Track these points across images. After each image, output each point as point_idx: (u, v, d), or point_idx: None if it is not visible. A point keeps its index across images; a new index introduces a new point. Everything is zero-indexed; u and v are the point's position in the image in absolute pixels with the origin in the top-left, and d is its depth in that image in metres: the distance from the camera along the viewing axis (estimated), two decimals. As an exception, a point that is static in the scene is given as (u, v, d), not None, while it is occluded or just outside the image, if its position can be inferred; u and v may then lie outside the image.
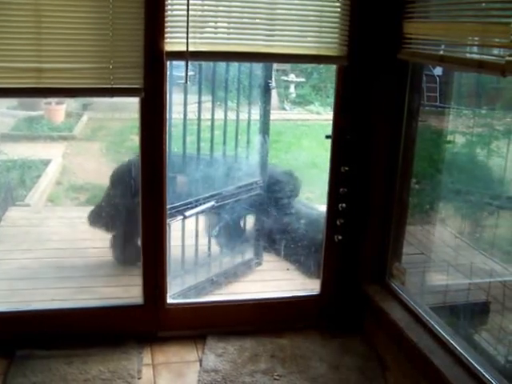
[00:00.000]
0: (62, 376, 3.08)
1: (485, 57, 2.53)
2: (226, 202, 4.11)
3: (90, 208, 4.46)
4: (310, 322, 3.54)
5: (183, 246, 3.87)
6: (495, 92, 4.23)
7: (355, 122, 3.27)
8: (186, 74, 2.97)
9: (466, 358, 2.73)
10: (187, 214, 3.84)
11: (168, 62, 3.01)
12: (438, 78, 5.72)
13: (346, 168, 3.29)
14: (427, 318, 3.01)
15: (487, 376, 2.61)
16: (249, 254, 4.35)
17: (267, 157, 4.20)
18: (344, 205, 3.33)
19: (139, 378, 3.14)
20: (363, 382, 3.08)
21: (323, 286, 3.54)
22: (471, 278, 3.30)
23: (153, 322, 3.43)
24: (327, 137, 3.30)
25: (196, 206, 3.92)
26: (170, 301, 3.42)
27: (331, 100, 3.34)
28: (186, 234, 3.88)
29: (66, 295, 3.84)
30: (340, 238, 3.35)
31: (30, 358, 3.18)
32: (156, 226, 3.25)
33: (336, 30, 3.09)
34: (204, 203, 3.97)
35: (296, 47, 3.08)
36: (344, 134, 3.26)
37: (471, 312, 3.27)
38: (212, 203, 4.01)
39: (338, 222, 3.34)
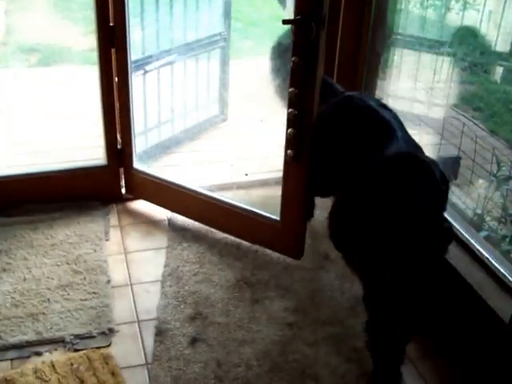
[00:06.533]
0: (27, 242, 3.02)
1: None
2: (189, 54, 3.90)
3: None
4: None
5: (145, 103, 3.70)
6: None
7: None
8: None
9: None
10: (148, 68, 3.65)
11: None
12: None
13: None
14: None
15: (460, 229, 2.67)
16: (214, 111, 4.22)
17: (230, 7, 3.95)
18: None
19: (107, 240, 3.11)
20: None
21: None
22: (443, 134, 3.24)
23: (118, 184, 3.35)
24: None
25: (156, 60, 3.71)
26: (136, 165, 3.30)
27: None
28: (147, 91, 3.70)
29: (24, 160, 3.68)
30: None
31: (-7, 226, 3.11)
32: (119, 80, 3.07)
33: None
34: (165, 57, 3.77)
35: None
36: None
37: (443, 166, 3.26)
38: (173, 56, 3.80)
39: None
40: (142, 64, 3.60)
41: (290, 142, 2.69)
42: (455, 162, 3.17)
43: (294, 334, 2.57)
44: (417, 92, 3.56)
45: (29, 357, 2.44)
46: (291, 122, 2.64)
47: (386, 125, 2.33)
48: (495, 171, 3.05)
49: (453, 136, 3.15)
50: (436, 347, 2.54)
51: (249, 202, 3.12)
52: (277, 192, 2.87)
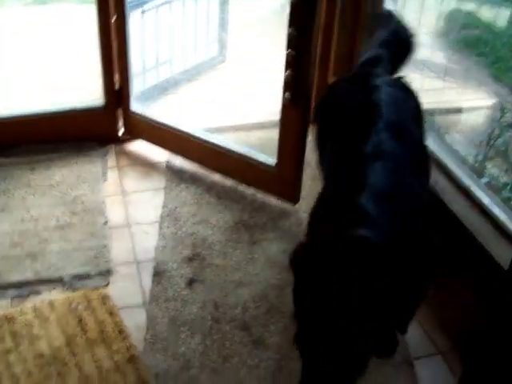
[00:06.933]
0: (25, 183, 3.02)
1: None
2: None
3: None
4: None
5: (143, 43, 3.64)
6: None
7: None
8: None
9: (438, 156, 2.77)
10: (146, 7, 3.58)
11: None
12: None
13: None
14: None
15: (460, 175, 2.68)
16: (212, 52, 4.15)
17: None
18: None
19: (105, 181, 3.09)
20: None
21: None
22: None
23: (115, 125, 3.31)
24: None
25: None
26: (133, 108, 3.26)
27: None
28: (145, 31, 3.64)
29: (22, 101, 3.62)
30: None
31: (-10, 166, 3.10)
32: (116, 19, 3.00)
33: None
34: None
35: None
36: None
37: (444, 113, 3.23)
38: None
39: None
40: (139, 3, 3.55)
41: (288, 85, 2.64)
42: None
43: (291, 276, 2.58)
44: (420, 36, 3.49)
45: (28, 296, 2.46)
46: (289, 63, 2.59)
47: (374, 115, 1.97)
48: (498, 118, 3.02)
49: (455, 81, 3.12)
50: (433, 292, 2.55)
51: (247, 144, 3.10)
52: (275, 134, 2.84)
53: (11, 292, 2.47)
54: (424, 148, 2.13)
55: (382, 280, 1.59)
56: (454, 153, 2.82)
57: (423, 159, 2.09)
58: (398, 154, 1.90)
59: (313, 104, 2.76)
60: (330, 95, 2.40)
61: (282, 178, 2.88)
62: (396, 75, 2.33)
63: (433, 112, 3.05)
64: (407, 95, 2.18)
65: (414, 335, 2.37)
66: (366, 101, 2.04)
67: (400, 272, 1.65)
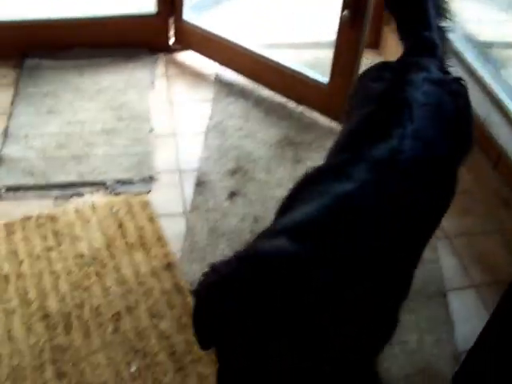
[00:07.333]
0: (74, 86, 3.02)
1: None
2: None
3: None
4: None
5: None
6: None
7: None
8: None
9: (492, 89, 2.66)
10: None
11: None
12: None
13: None
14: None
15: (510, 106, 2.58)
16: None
17: None
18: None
19: (153, 89, 3.07)
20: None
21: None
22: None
23: (167, 33, 3.26)
24: None
25: None
26: (186, 17, 3.19)
27: None
28: None
29: (75, 4, 3.55)
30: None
31: (40, 68, 3.10)
32: None
33: None
34: None
35: None
36: None
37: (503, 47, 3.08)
38: None
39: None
40: None
41: (347, 3, 2.56)
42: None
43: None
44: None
45: (71, 197, 2.49)
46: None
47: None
48: None
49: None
50: (473, 225, 2.50)
51: (299, 61, 3.04)
52: (329, 54, 2.77)
53: (55, 192, 2.51)
54: (451, 174, 1.66)
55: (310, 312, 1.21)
56: (508, 88, 2.72)
57: (444, 190, 1.64)
58: (412, 172, 1.48)
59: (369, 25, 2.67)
60: (364, 83, 1.89)
61: (333, 97, 2.82)
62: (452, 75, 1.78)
63: (490, 45, 2.92)
64: (455, 101, 1.68)
65: (450, 266, 2.34)
66: (395, 97, 1.62)
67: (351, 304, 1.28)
